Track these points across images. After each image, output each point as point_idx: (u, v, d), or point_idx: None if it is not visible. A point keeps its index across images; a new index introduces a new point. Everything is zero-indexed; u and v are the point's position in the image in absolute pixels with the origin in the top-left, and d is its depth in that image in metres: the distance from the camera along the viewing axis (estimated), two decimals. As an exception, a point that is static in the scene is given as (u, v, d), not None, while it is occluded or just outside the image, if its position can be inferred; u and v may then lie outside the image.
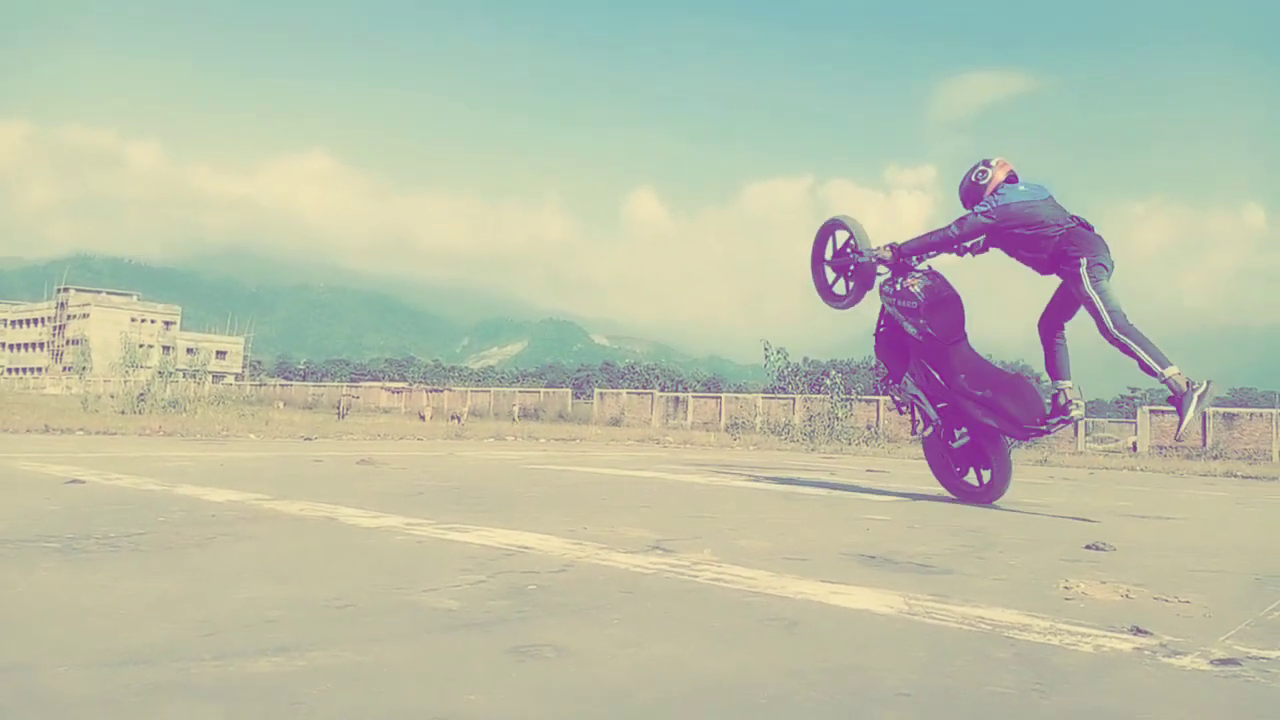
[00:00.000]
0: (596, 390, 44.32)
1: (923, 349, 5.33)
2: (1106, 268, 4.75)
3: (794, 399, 35.52)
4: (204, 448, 7.69)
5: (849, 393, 28.49)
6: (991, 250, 5.14)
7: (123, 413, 13.98)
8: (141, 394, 15.64)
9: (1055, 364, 5.12)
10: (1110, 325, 4.60)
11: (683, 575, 2.44)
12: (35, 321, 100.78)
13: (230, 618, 1.77)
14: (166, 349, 47.24)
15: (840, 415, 22.69)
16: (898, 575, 2.61)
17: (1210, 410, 28.17)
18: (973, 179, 5.20)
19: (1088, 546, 3.37)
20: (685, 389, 70.34)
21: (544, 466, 7.26)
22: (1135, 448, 27.54)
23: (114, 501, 3.60)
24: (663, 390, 47.51)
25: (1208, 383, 4.53)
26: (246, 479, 4.84)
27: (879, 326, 5.62)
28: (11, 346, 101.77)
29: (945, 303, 5.22)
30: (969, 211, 5.08)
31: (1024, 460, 13.26)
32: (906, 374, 5.50)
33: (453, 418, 21.48)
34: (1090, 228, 4.87)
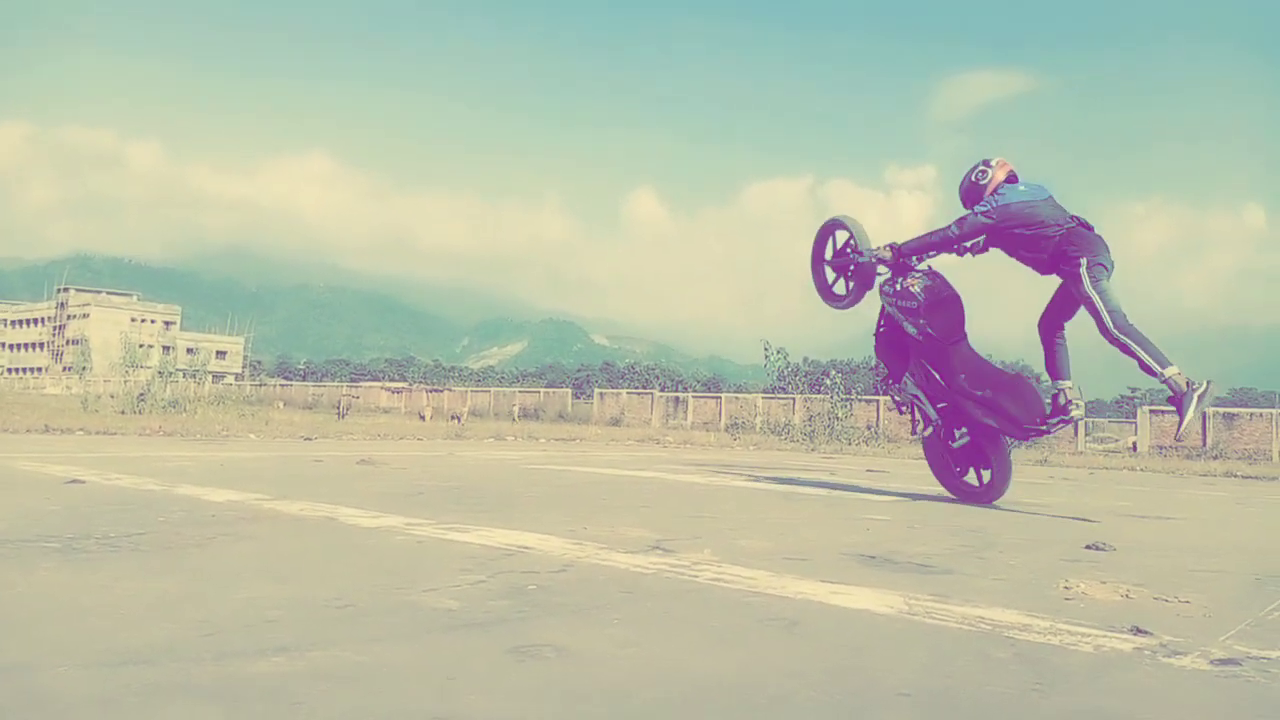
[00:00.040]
0: (596, 390, 44.30)
1: (923, 349, 5.33)
2: (1106, 268, 4.75)
3: (794, 399, 35.52)
4: (204, 448, 7.69)
5: (849, 393, 28.50)
6: (991, 250, 5.14)
7: (123, 413, 13.98)
8: (141, 394, 15.65)
9: (1055, 364, 5.12)
10: (1110, 325, 4.60)
11: (683, 575, 2.44)
12: (35, 321, 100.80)
13: (230, 618, 1.77)
14: (166, 349, 47.24)
15: (840, 415, 22.69)
16: (898, 575, 2.61)
17: (1210, 410, 28.18)
18: (973, 179, 5.20)
19: (1088, 546, 3.37)
20: (685, 389, 70.33)
21: (544, 466, 7.26)
22: (1135, 448, 27.54)
23: (114, 501, 3.60)
24: (663, 390, 47.49)
25: (1208, 383, 4.53)
26: (246, 479, 4.84)
27: (879, 326, 5.62)
28: (11, 346, 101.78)
29: (945, 303, 5.23)
30: (969, 211, 5.08)
31: (1024, 460, 13.26)
32: (906, 374, 5.50)
33: (453, 418, 21.48)
34: (1090, 228, 4.87)
